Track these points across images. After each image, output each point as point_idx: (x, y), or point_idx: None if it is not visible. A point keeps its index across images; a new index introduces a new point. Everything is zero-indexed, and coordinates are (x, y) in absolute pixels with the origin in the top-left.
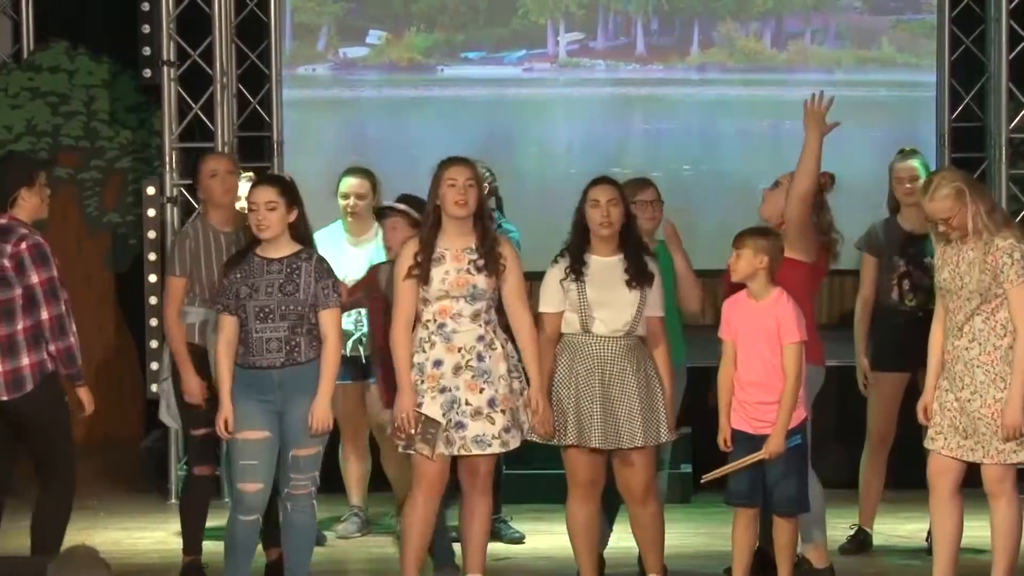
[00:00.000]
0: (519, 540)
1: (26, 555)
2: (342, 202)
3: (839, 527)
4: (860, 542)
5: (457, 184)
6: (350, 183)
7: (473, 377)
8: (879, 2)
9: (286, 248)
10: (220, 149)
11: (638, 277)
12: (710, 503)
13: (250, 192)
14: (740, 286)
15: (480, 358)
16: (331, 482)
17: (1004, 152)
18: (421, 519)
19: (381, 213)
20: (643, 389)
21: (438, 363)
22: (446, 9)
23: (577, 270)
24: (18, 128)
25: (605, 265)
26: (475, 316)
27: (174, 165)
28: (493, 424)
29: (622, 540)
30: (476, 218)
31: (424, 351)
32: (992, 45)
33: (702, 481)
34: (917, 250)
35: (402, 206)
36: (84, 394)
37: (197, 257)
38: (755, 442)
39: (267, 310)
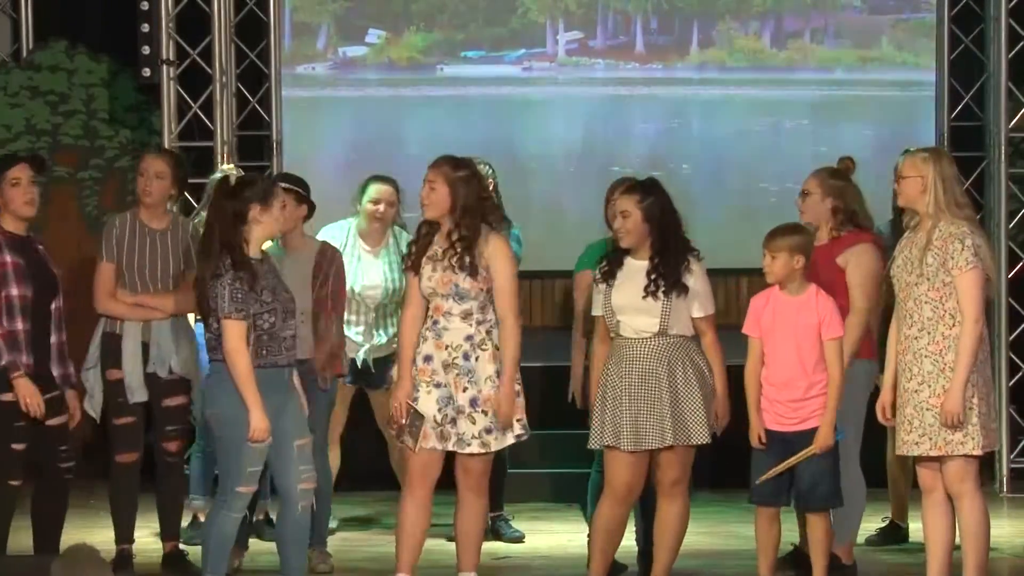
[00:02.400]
0: (519, 539)
1: (26, 555)
2: (371, 207)
3: (871, 521)
4: (889, 534)
5: (425, 183)
6: (382, 189)
7: (458, 375)
8: (878, 1)
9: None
10: (219, 148)
11: (660, 285)
12: (710, 502)
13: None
14: None
15: (466, 357)
16: None
17: (1003, 151)
18: (408, 513)
19: None
20: (679, 388)
21: (428, 359)
22: (445, 8)
23: (608, 273)
24: (17, 127)
25: (636, 269)
26: (465, 315)
27: None
28: (474, 424)
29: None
30: (458, 218)
31: (419, 345)
32: (991, 44)
33: (758, 482)
34: None
35: (286, 184)
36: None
37: (122, 248)
38: (789, 440)
39: (286, 308)
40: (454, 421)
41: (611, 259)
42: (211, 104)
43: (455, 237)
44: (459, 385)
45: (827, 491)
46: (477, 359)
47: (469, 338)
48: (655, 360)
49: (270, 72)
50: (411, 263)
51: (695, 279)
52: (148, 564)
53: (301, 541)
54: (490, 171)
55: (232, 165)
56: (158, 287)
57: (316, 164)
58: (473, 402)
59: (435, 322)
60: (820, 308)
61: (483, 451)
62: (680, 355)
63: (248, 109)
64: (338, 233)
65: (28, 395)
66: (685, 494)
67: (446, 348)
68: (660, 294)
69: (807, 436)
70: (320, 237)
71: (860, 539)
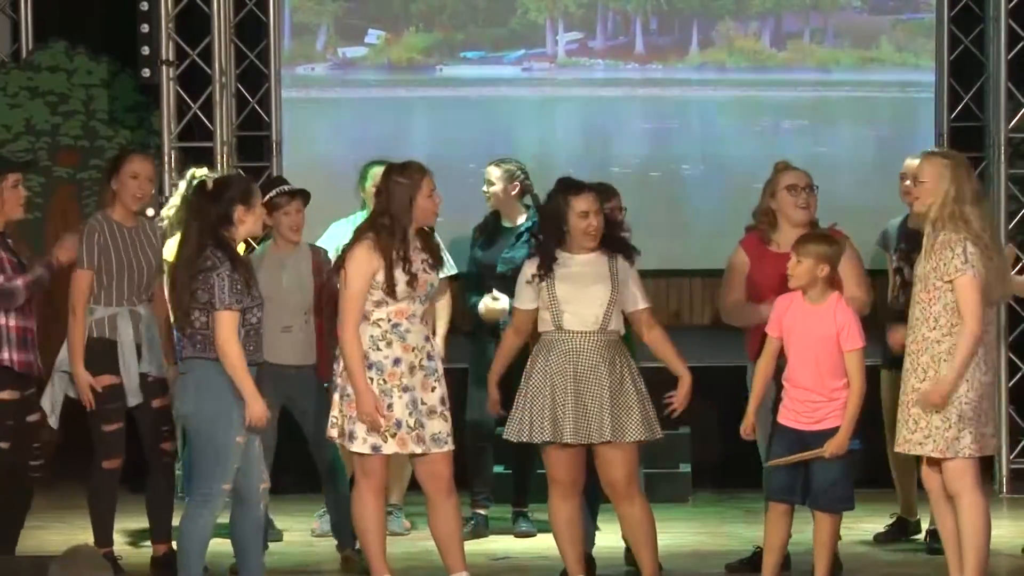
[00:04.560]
0: (526, 535)
1: (26, 555)
2: (373, 190)
3: (878, 519)
4: (897, 531)
5: (435, 194)
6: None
7: (426, 376)
8: (878, 1)
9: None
10: (219, 149)
11: (615, 274)
12: (708, 503)
13: (277, 197)
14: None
15: (429, 357)
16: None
17: (1003, 152)
18: (374, 516)
19: (273, 204)
20: (616, 385)
21: (397, 361)
22: (445, 9)
23: (548, 267)
24: (17, 127)
25: (580, 263)
26: (422, 317)
27: (173, 165)
28: (446, 422)
29: (611, 539)
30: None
31: (380, 349)
32: (991, 44)
33: (766, 466)
34: (910, 247)
35: (296, 188)
36: None
37: (105, 250)
38: (805, 439)
39: (262, 307)
40: (421, 424)
41: (543, 253)
42: (211, 104)
43: (423, 233)
44: (427, 386)
45: (840, 494)
46: (434, 359)
47: (427, 339)
48: (597, 355)
49: (270, 72)
50: (389, 283)
51: (632, 273)
52: (144, 565)
53: (260, 539)
54: (520, 174)
55: (205, 169)
56: (135, 284)
57: (316, 165)
58: (443, 400)
59: (395, 325)
60: (839, 319)
61: (453, 448)
62: (617, 352)
63: (248, 109)
64: (346, 228)
65: None
66: (641, 492)
67: (412, 350)
68: (610, 285)
69: (823, 436)
70: (329, 233)
71: (867, 537)
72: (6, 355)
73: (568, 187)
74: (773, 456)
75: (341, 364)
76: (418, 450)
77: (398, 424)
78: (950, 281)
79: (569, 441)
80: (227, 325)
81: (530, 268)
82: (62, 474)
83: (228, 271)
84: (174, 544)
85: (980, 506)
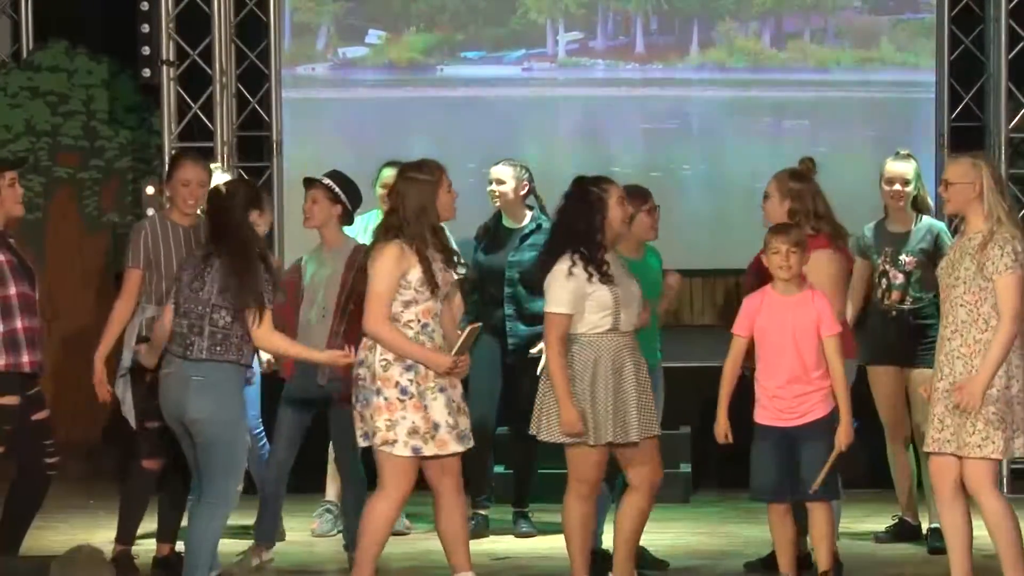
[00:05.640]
0: (527, 535)
1: (27, 555)
2: (381, 192)
3: (880, 519)
4: (899, 532)
5: (452, 188)
6: (391, 174)
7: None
8: (878, 2)
9: None
10: (219, 149)
11: (629, 270)
12: (709, 503)
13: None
14: (765, 280)
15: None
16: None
17: (1004, 152)
18: (382, 521)
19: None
20: (648, 380)
21: None
22: (445, 9)
23: (603, 270)
24: (17, 128)
25: (615, 263)
26: (441, 315)
27: None
28: (468, 419)
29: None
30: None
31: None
32: (991, 45)
33: (812, 491)
34: (895, 249)
35: (327, 180)
36: None
37: (156, 251)
38: (791, 435)
39: None
40: (457, 422)
41: (587, 250)
42: (211, 105)
43: (437, 232)
44: (453, 383)
45: (828, 483)
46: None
47: (445, 337)
48: (639, 352)
49: (270, 72)
50: (431, 284)
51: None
52: (144, 565)
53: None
54: (527, 175)
55: (218, 164)
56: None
57: (316, 165)
58: (463, 397)
59: (424, 325)
60: (817, 304)
61: (472, 444)
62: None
63: (248, 110)
64: (359, 227)
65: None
66: None
67: (440, 350)
68: (638, 282)
69: (809, 428)
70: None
71: (867, 537)
72: None
73: (599, 177)
74: (758, 458)
75: (366, 371)
76: (461, 448)
77: (436, 426)
78: (997, 279)
79: (635, 439)
80: (269, 321)
81: (580, 272)
82: (65, 474)
83: (267, 275)
84: (177, 546)
85: (1003, 502)
